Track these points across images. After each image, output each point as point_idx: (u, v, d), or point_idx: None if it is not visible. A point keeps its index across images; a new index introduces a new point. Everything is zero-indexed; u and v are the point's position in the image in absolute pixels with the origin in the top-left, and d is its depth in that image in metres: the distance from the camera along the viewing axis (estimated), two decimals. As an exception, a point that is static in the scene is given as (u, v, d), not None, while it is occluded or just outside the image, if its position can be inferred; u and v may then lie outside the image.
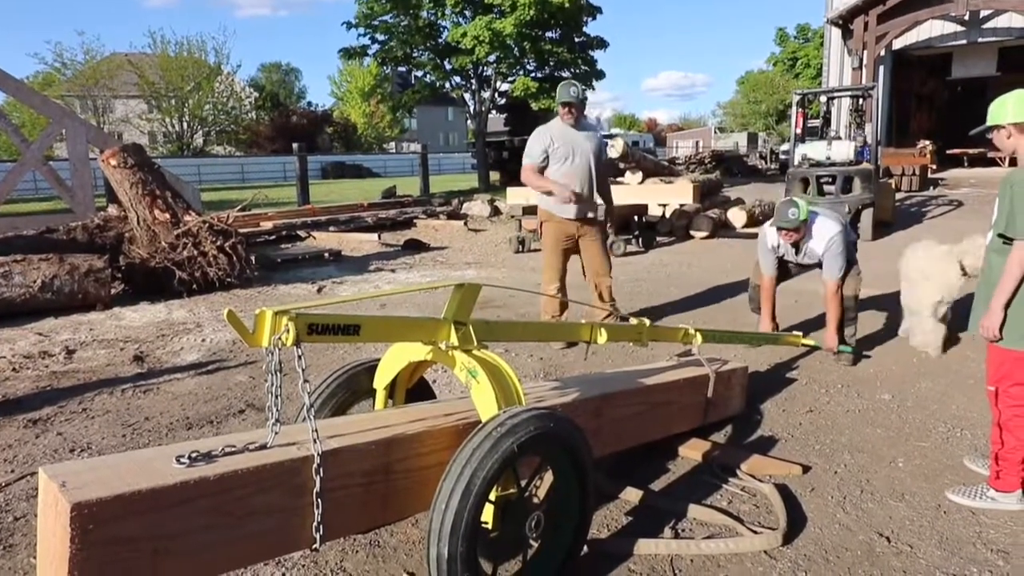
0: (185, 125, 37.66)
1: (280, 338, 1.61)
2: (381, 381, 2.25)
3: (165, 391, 4.14)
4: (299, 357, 1.65)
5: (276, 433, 1.68)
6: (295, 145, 15.50)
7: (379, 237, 10.49)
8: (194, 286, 6.83)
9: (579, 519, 2.11)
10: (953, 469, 2.92)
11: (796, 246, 4.23)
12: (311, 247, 10.08)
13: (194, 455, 1.57)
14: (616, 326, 3.03)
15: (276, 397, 1.66)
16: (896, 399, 3.71)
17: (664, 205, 10.64)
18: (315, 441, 1.65)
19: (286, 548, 1.74)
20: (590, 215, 4.78)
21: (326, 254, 9.24)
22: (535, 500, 2.06)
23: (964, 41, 18.03)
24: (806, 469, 2.92)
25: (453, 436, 2.00)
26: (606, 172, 5.06)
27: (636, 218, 9.75)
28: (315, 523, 1.67)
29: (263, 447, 1.69)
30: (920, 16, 16.45)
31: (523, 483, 1.97)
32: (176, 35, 43.82)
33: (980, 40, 17.83)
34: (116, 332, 5.55)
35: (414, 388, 2.40)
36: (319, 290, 7.14)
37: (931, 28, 17.78)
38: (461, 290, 2.06)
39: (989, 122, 2.55)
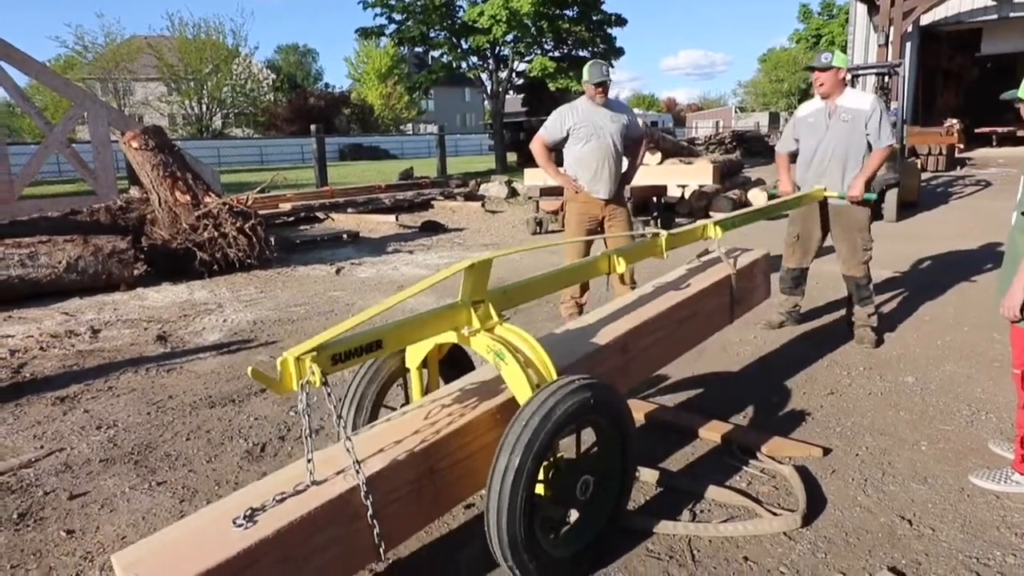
0: (204, 107, 37.85)
1: (307, 381, 1.65)
2: (413, 362, 2.27)
3: (188, 370, 4.20)
4: (328, 396, 1.69)
5: (312, 472, 1.70)
6: (313, 127, 15.55)
7: (397, 219, 10.52)
8: (215, 267, 6.90)
9: (623, 477, 2.18)
10: (977, 452, 2.88)
11: (828, 107, 4.16)
12: (329, 229, 10.13)
13: (249, 513, 1.59)
14: (633, 246, 2.85)
15: (308, 438, 1.69)
16: (919, 382, 3.67)
17: (683, 186, 10.53)
18: (358, 472, 1.68)
19: (353, 569, 1.77)
20: (616, 196, 4.73)
21: (344, 235, 9.28)
22: (582, 464, 2.10)
23: (995, 16, 17.53)
24: (827, 451, 2.90)
25: (490, 420, 2.02)
26: (637, 151, 4.97)
27: (655, 199, 9.67)
28: (376, 541, 1.72)
29: (310, 484, 1.70)
30: (949, -10, 16.01)
31: (566, 454, 2.02)
32: (194, 17, 44.01)
33: (1012, 15, 17.31)
34: (140, 312, 5.63)
35: (446, 359, 2.40)
36: (337, 271, 7.18)
37: (960, 3, 17.32)
38: (473, 271, 2.05)
39: (1021, 92, 2.46)
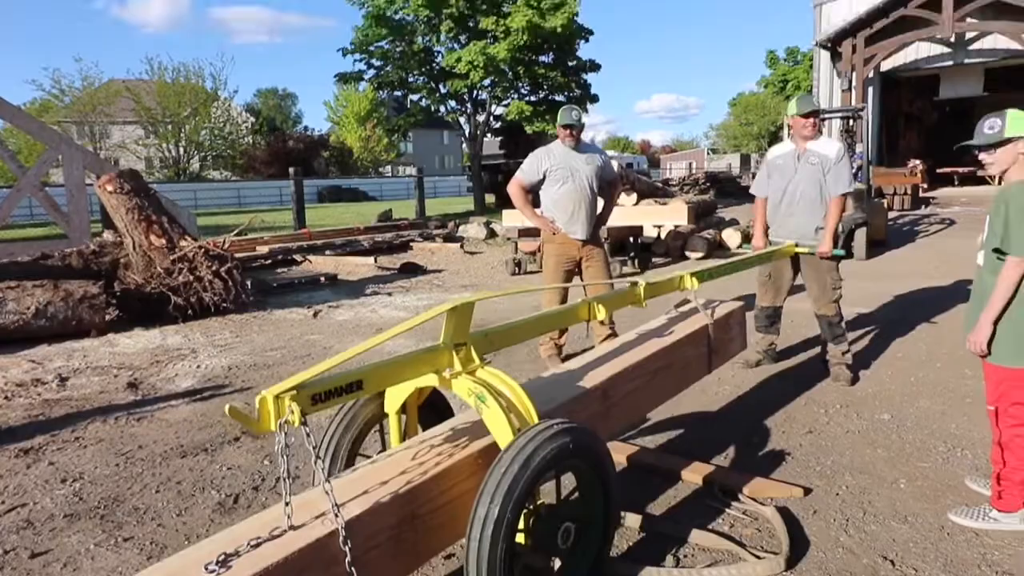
0: (182, 150, 37.88)
1: (286, 420, 1.62)
2: (392, 406, 2.24)
3: (159, 418, 4.10)
4: (307, 435, 1.65)
5: (290, 516, 1.66)
6: (291, 169, 15.57)
7: (375, 260, 10.50)
8: (189, 311, 6.80)
9: (605, 523, 2.15)
10: (955, 489, 2.90)
11: (798, 150, 4.32)
12: (307, 271, 10.07)
13: (222, 559, 1.54)
14: (613, 294, 2.90)
15: (286, 480, 1.65)
16: (895, 419, 3.70)
17: (659, 226, 10.68)
18: (337, 516, 1.64)
19: None
20: (593, 237, 4.80)
21: (322, 278, 9.23)
22: (563, 511, 2.07)
23: (951, 62, 18.32)
24: (807, 491, 2.89)
25: (471, 465, 1.99)
26: (612, 191, 5.08)
27: (632, 239, 9.79)
28: None
29: (288, 529, 1.65)
30: (907, 38, 16.73)
31: (547, 500, 2.00)
32: (173, 61, 44.25)
33: (966, 61, 18.12)
34: (110, 359, 5.51)
35: (426, 403, 2.38)
36: (315, 315, 7.12)
37: (918, 50, 18.07)
38: (455, 313, 2.04)
39: (1007, 130, 2.47)
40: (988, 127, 2.52)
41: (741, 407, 4.00)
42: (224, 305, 7.04)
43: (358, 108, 48.52)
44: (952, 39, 17.40)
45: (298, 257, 11.01)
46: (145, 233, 7.15)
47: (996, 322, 2.52)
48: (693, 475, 3.00)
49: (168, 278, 6.85)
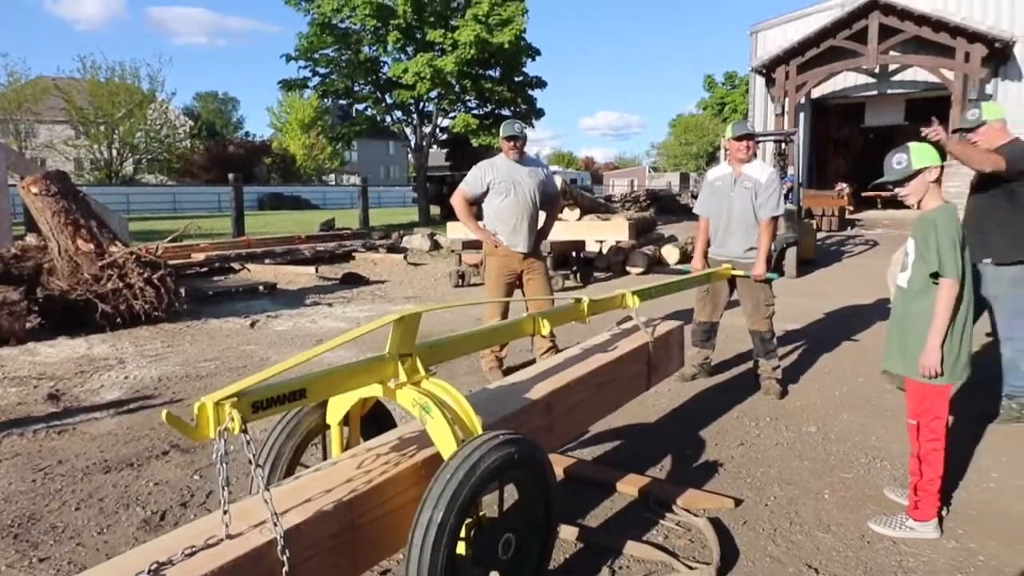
0: (115, 152, 36.35)
1: (226, 428, 1.58)
2: (334, 418, 2.21)
3: (82, 432, 3.91)
4: (247, 443, 1.62)
5: (228, 525, 1.61)
6: (231, 175, 15.20)
7: (316, 270, 10.32)
8: (118, 320, 6.53)
9: (545, 535, 2.17)
10: (875, 499, 3.04)
11: (734, 174, 4.51)
12: (245, 280, 9.81)
13: (155, 568, 1.48)
14: (557, 310, 2.95)
15: (225, 489, 1.60)
16: (821, 431, 3.86)
17: (601, 241, 10.87)
18: (276, 524, 1.60)
19: None
20: (534, 250, 4.85)
21: (261, 287, 9.01)
22: (504, 522, 2.07)
23: (875, 92, 19.36)
24: (738, 502, 2.99)
25: (414, 475, 1.98)
26: (553, 206, 5.14)
27: (574, 254, 9.93)
28: None
29: (224, 538, 1.61)
30: (835, 68, 17.61)
31: (488, 511, 1.99)
32: (108, 60, 42.41)
33: (889, 91, 19.18)
34: (30, 369, 5.23)
35: (368, 415, 2.35)
36: (252, 324, 6.93)
37: (845, 79, 19.03)
38: (401, 324, 2.04)
39: (914, 164, 2.62)
40: (896, 163, 2.67)
41: (677, 419, 4.10)
42: (156, 314, 6.79)
43: (302, 115, 47.70)
44: (876, 70, 18.42)
45: (236, 265, 10.72)
46: (72, 237, 6.83)
47: (917, 340, 2.66)
48: (629, 487, 3.05)
49: (96, 285, 6.56)
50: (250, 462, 1.65)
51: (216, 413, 1.58)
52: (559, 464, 3.21)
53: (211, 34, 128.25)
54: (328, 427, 2.25)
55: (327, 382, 1.90)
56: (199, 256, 10.61)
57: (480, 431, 2.03)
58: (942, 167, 2.67)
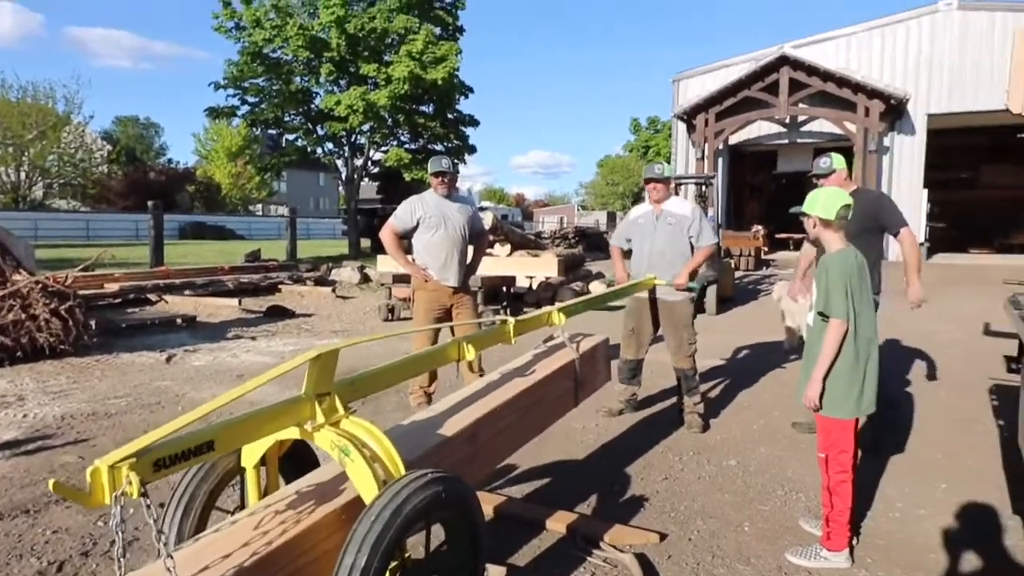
0: (23, 175, 34.32)
1: (123, 492, 1.47)
2: (250, 461, 2.11)
3: (-28, 476, 3.61)
4: (147, 508, 1.51)
5: None
6: (150, 203, 14.57)
7: (240, 302, 9.98)
8: (19, 353, 6.11)
9: (473, 574, 2.12)
10: (791, 531, 3.16)
11: (656, 211, 4.65)
12: (162, 312, 9.38)
13: None
14: (482, 334, 2.87)
15: (121, 559, 1.50)
16: (740, 464, 3.99)
17: (531, 277, 11.00)
18: None
19: None
20: (463, 284, 4.87)
21: (179, 320, 8.63)
22: (431, 563, 2.03)
23: (786, 141, 20.64)
24: (663, 537, 3.04)
25: (335, 521, 1.90)
26: (480, 243, 5.18)
27: (504, 289, 10.01)
28: None
29: None
30: (750, 117, 18.68)
31: (414, 553, 1.95)
32: (20, 79, 40.17)
33: (799, 140, 20.48)
34: (-87, 407, 4.81)
35: (288, 455, 2.24)
36: (168, 359, 6.62)
37: (760, 128, 20.20)
38: (318, 362, 1.97)
39: (804, 208, 2.92)
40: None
41: (604, 455, 4.15)
42: (62, 347, 6.40)
43: (229, 143, 46.47)
44: (787, 121, 19.65)
45: (153, 296, 10.25)
46: (-31, 265, 6.39)
47: (825, 378, 2.82)
48: (557, 524, 3.06)
49: (-6, 316, 6.13)
50: (153, 527, 1.53)
51: (112, 477, 1.47)
52: (489, 503, 3.19)
53: (135, 57, 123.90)
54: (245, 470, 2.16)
55: (237, 431, 1.80)
56: (112, 286, 10.10)
57: (403, 471, 1.98)
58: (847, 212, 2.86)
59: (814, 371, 2.80)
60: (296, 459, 2.30)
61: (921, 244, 4.71)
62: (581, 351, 3.22)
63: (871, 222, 4.10)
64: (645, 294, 4.68)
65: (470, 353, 2.60)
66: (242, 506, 2.15)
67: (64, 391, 5.39)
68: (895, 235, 4.16)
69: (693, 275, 4.59)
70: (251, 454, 2.10)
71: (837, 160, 4.20)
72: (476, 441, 2.49)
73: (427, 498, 1.86)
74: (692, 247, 4.65)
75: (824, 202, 2.84)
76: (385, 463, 1.99)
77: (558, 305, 3.21)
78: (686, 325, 4.61)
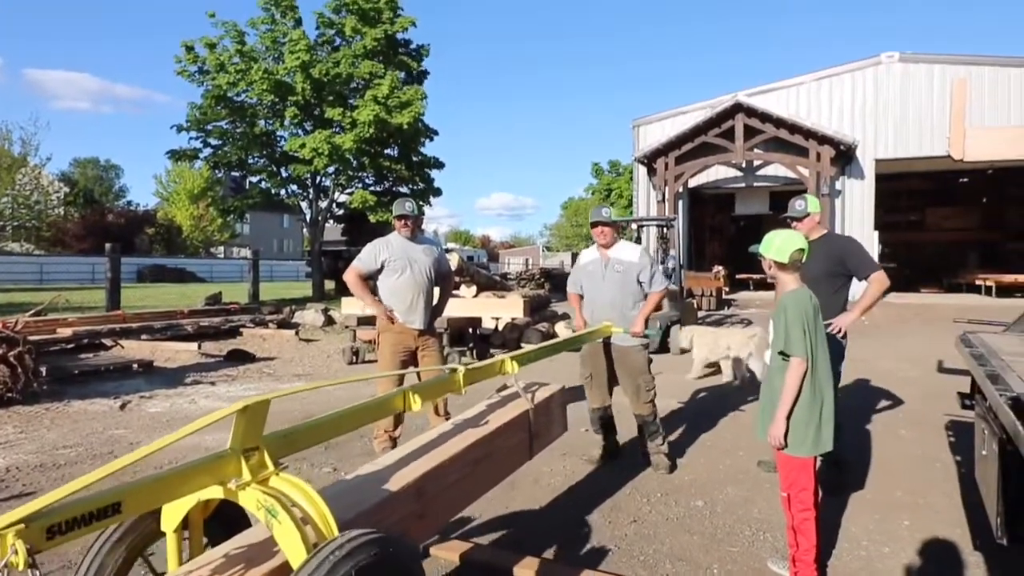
0: (-26, 217, 33.26)
1: (6, 564, 1.33)
2: (170, 524, 1.90)
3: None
4: None
5: None
6: (107, 245, 14.23)
7: (199, 347, 9.75)
8: (-38, 403, 5.85)
9: None
10: (760, 572, 3.15)
11: (603, 258, 4.57)
12: (117, 357, 9.09)
13: None
14: (430, 383, 2.74)
15: None
16: (708, 505, 4.00)
17: (497, 318, 11.01)
18: None
19: None
20: (429, 326, 4.85)
21: (135, 365, 8.39)
22: None
23: (743, 184, 21.27)
24: (632, 580, 3.01)
25: None
26: (446, 284, 5.18)
27: (471, 330, 9.98)
28: None
29: None
30: (708, 161, 19.25)
31: None
32: (-28, 120, 39.34)
33: (755, 184, 21.14)
34: None
35: (215, 516, 2.04)
36: (122, 406, 6.40)
37: (717, 172, 20.83)
38: (246, 414, 1.81)
39: (760, 249, 3.00)
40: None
41: (571, 498, 4.11)
42: (9, 395, 6.15)
43: (191, 185, 46.00)
44: (744, 165, 20.29)
45: (108, 341, 9.94)
46: (-88, 311, 6.14)
47: (787, 416, 2.86)
48: (525, 571, 3.00)
49: (-63, 364, 5.88)
50: None
51: None
52: (455, 550, 3.13)
53: (96, 100, 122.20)
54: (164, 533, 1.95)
55: (149, 491, 1.65)
56: (66, 331, 9.76)
57: (335, 532, 1.80)
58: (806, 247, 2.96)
59: (778, 410, 2.83)
60: (227, 520, 2.10)
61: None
62: (536, 401, 3.11)
63: (838, 267, 4.16)
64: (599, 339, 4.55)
65: (416, 404, 2.45)
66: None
67: (10, 441, 5.15)
68: (864, 279, 4.18)
69: (647, 321, 4.51)
70: (171, 516, 1.91)
71: (812, 203, 4.23)
72: (423, 496, 2.34)
73: (361, 562, 1.69)
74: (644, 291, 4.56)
75: (779, 246, 2.92)
76: (317, 524, 1.82)
77: (511, 353, 3.09)
78: (642, 371, 4.52)
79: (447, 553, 3.17)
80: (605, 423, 4.77)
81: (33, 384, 6.44)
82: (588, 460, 4.76)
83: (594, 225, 4.56)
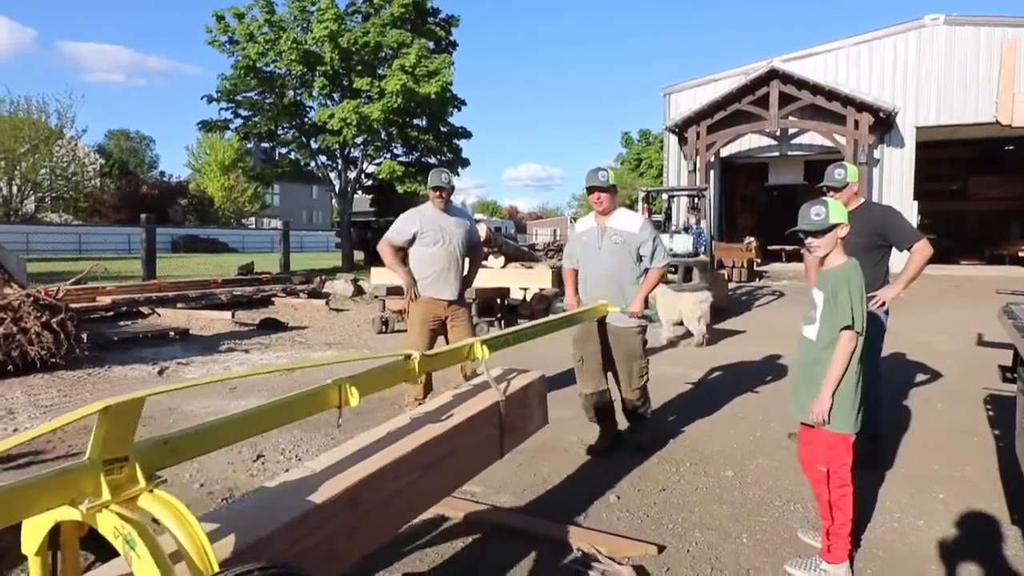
0: (15, 189, 34.18)
1: None
2: (29, 546, 1.49)
3: (-39, 492, 3.55)
4: None
5: None
6: (143, 216, 14.52)
7: (233, 315, 9.93)
8: (9, 367, 6.06)
9: None
10: (790, 542, 3.14)
11: (600, 226, 4.16)
12: (154, 325, 9.32)
13: None
14: (374, 372, 2.19)
15: None
16: (737, 476, 3.98)
17: (525, 289, 11.01)
18: None
19: None
20: (459, 297, 4.87)
21: (171, 332, 8.58)
22: None
23: (777, 153, 20.77)
24: (661, 548, 3.02)
25: None
26: (477, 255, 5.18)
27: (499, 301, 10.00)
28: None
29: None
30: (741, 130, 18.81)
31: None
32: (12, 94, 39.97)
33: (790, 153, 20.62)
34: (-99, 423, 4.75)
35: (88, 537, 1.62)
36: (160, 372, 6.57)
37: (750, 141, 20.34)
38: (110, 415, 1.43)
39: (838, 219, 2.76)
40: (814, 214, 2.78)
41: (599, 466, 4.12)
42: (53, 360, 6.35)
43: (222, 156, 46.47)
44: (778, 133, 19.79)
45: (145, 309, 10.19)
46: (-41, 279, 6.34)
47: (810, 384, 2.79)
48: (555, 536, 3.04)
49: (-15, 330, 6.08)
50: None
51: None
52: (488, 516, 3.17)
53: (129, 72, 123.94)
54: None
55: None
56: (105, 299, 10.04)
57: (214, 567, 1.42)
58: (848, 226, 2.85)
59: (824, 387, 2.72)
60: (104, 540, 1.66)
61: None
62: (509, 391, 2.70)
63: (877, 239, 4.02)
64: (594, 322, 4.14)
65: (354, 398, 2.01)
66: None
67: (55, 405, 5.33)
68: (906, 250, 4.02)
69: (646, 301, 4.12)
70: (31, 536, 1.50)
71: (852, 172, 4.03)
72: (358, 507, 1.93)
73: None
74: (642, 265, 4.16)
75: (842, 208, 2.81)
76: (192, 558, 1.43)
77: (482, 337, 2.71)
78: (637, 355, 4.16)
79: (479, 518, 3.21)
80: (600, 410, 4.31)
81: (75, 350, 6.63)
82: (588, 449, 4.32)
83: (590, 191, 4.11)
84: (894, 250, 4.12)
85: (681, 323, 8.53)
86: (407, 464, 2.12)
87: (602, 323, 4.17)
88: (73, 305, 7.67)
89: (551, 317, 3.52)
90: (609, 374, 4.33)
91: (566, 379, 5.38)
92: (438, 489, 2.34)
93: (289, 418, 1.97)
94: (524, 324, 3.20)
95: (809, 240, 2.81)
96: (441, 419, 2.40)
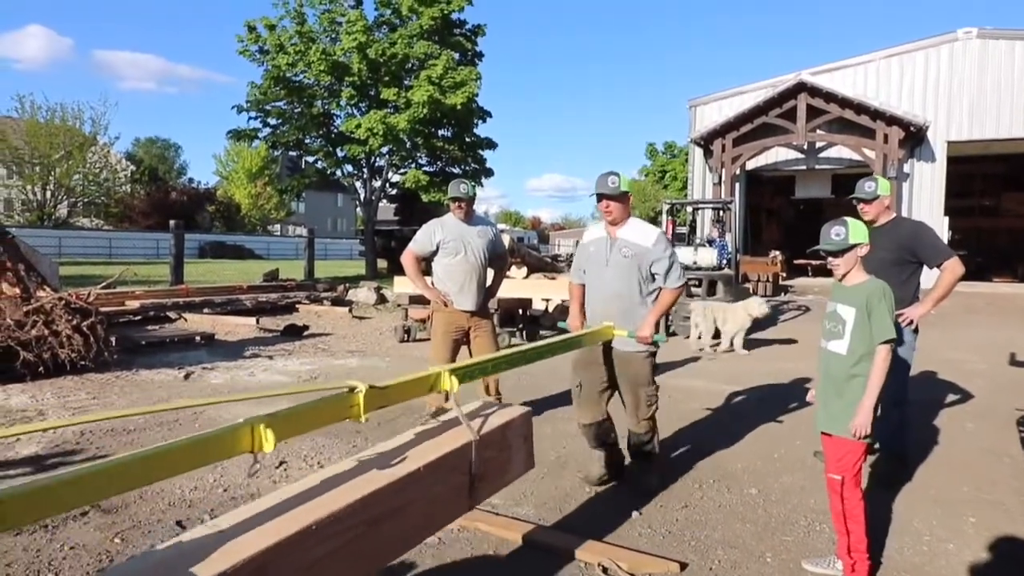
0: (49, 194, 35.07)
1: None
2: None
3: (-7, 490, 3.63)
4: None
5: None
6: (172, 222, 14.79)
7: (257, 321, 10.06)
8: (40, 369, 6.18)
9: None
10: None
11: (610, 237, 3.74)
12: (181, 330, 9.46)
13: None
14: (309, 406, 1.80)
15: None
16: (762, 493, 3.92)
17: (547, 300, 10.99)
18: None
19: None
20: (482, 308, 4.89)
21: (197, 337, 8.71)
22: None
23: (804, 167, 20.57)
24: (683, 566, 2.98)
25: None
26: (501, 266, 5.19)
27: (521, 311, 9.99)
28: None
29: None
30: (767, 143, 18.67)
31: None
32: (48, 101, 41.28)
33: (817, 167, 20.41)
34: (-63, 421, 4.87)
35: None
36: (186, 376, 6.66)
37: (777, 154, 20.18)
38: None
39: (857, 239, 2.80)
40: (835, 234, 2.81)
41: (622, 482, 4.08)
42: (83, 363, 6.47)
43: (249, 164, 47.33)
44: (805, 147, 19.61)
45: (172, 314, 10.36)
46: (-5, 281, 6.51)
47: (842, 398, 2.79)
48: (586, 554, 3.02)
49: (19, 331, 6.22)
50: None
51: None
52: (518, 530, 3.17)
53: (160, 81, 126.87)
54: None
55: None
56: (134, 304, 10.23)
57: None
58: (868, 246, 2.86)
59: (865, 400, 2.74)
60: None
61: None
62: (484, 431, 2.27)
63: (906, 255, 3.95)
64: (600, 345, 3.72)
65: (269, 443, 1.63)
66: None
67: (84, 407, 5.43)
68: (936, 267, 3.93)
69: (657, 325, 3.69)
70: None
71: (883, 185, 3.95)
72: None
73: None
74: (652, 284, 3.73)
75: (862, 228, 2.86)
76: None
77: (451, 366, 2.33)
78: (646, 383, 3.73)
79: (507, 532, 3.20)
80: (601, 440, 3.88)
81: (104, 353, 6.75)
82: (585, 479, 3.95)
83: (599, 198, 3.64)
84: (925, 267, 4.06)
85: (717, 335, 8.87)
86: (340, 523, 1.69)
87: (608, 346, 3.75)
88: (103, 309, 7.82)
89: (548, 340, 3.13)
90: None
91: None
92: (382, 550, 1.86)
93: (191, 464, 1.56)
94: (517, 347, 2.91)
95: (830, 259, 2.88)
96: (393, 463, 1.97)
